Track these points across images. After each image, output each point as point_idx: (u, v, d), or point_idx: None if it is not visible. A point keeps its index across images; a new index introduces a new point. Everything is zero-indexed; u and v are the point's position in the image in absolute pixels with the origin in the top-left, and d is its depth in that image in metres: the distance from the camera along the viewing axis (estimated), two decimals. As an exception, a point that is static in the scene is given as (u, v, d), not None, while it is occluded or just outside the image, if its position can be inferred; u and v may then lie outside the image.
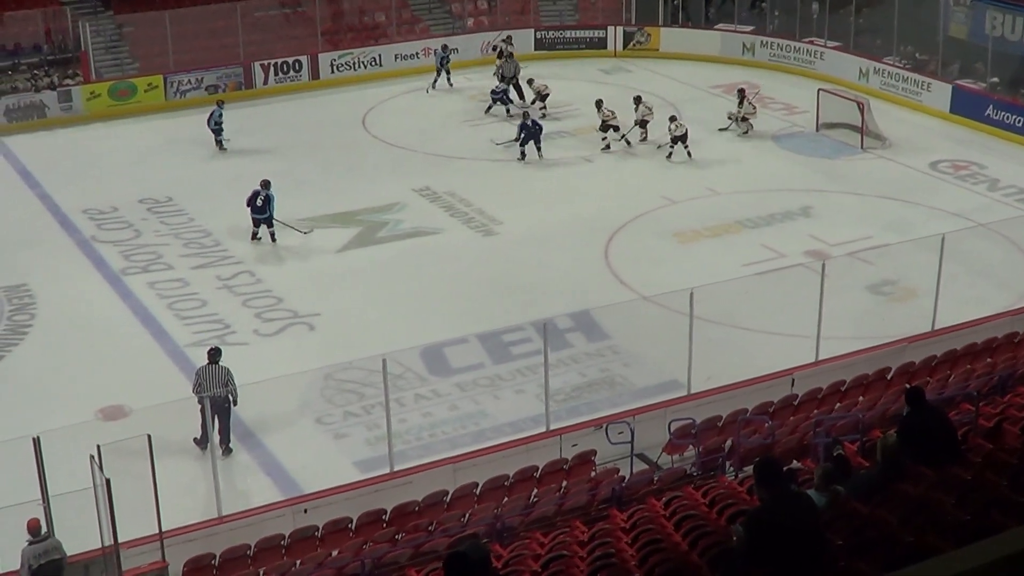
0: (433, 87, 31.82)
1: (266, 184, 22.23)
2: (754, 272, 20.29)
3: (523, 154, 26.57)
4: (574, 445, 14.97)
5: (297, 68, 32.49)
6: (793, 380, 16.32)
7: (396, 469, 14.84)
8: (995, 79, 29.20)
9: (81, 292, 20.75)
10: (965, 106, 28.88)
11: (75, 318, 19.73)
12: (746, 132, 28.18)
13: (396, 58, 33.78)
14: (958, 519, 7.95)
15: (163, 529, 12.67)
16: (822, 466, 10.16)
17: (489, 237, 22.88)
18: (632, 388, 17.37)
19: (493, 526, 12.30)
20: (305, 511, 13.94)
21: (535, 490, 13.83)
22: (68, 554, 12.18)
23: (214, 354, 15.88)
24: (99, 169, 26.63)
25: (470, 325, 19.07)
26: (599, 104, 27.46)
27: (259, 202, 22.16)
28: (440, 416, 16.78)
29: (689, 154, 26.33)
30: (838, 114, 28.24)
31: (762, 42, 33.96)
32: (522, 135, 26.46)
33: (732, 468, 13.75)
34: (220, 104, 27.61)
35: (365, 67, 33.28)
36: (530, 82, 30.09)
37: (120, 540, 11.84)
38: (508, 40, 32.89)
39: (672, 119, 26.85)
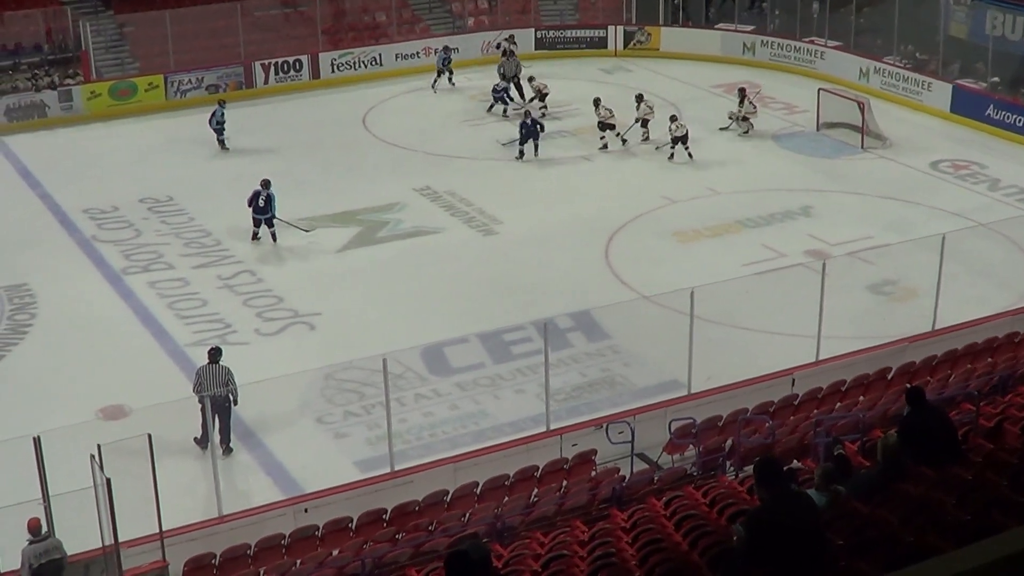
0: (433, 87, 31.82)
1: (266, 184, 22.22)
2: (754, 272, 20.27)
3: (521, 153, 26.56)
4: (574, 445, 14.97)
5: (298, 68, 32.49)
6: (793, 380, 16.31)
7: (396, 469, 14.84)
8: (996, 79, 29.20)
9: (81, 292, 20.74)
10: (965, 106, 28.87)
11: (75, 318, 19.72)
12: (746, 132, 28.17)
13: (396, 58, 33.78)
14: (959, 519, 7.95)
15: (163, 529, 12.68)
16: (822, 466, 10.17)
17: (489, 237, 22.88)
18: (632, 388, 17.37)
19: (493, 526, 12.29)
20: (305, 511, 13.95)
21: (535, 490, 13.83)
22: (68, 554, 12.17)
23: (214, 354, 15.88)
24: (100, 169, 26.62)
25: (470, 325, 19.07)
26: (597, 102, 27.42)
27: (261, 202, 22.14)
28: (440, 416, 16.78)
29: (690, 155, 26.29)
30: (839, 114, 28.23)
31: (762, 42, 33.95)
32: (522, 133, 26.49)
33: (732, 468, 13.75)
34: (222, 104, 27.60)
35: (365, 67, 33.28)
36: (530, 80, 30.12)
37: (120, 540, 11.85)
38: (511, 39, 32.90)
39: (672, 119, 26.80)
